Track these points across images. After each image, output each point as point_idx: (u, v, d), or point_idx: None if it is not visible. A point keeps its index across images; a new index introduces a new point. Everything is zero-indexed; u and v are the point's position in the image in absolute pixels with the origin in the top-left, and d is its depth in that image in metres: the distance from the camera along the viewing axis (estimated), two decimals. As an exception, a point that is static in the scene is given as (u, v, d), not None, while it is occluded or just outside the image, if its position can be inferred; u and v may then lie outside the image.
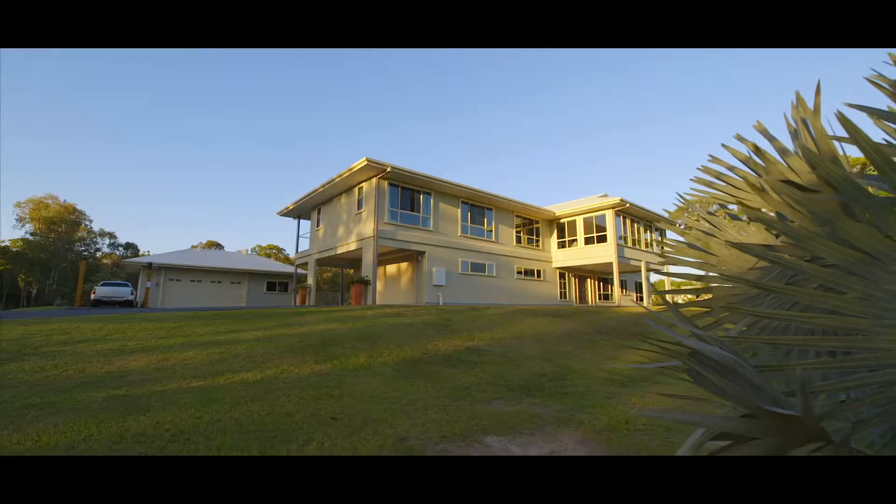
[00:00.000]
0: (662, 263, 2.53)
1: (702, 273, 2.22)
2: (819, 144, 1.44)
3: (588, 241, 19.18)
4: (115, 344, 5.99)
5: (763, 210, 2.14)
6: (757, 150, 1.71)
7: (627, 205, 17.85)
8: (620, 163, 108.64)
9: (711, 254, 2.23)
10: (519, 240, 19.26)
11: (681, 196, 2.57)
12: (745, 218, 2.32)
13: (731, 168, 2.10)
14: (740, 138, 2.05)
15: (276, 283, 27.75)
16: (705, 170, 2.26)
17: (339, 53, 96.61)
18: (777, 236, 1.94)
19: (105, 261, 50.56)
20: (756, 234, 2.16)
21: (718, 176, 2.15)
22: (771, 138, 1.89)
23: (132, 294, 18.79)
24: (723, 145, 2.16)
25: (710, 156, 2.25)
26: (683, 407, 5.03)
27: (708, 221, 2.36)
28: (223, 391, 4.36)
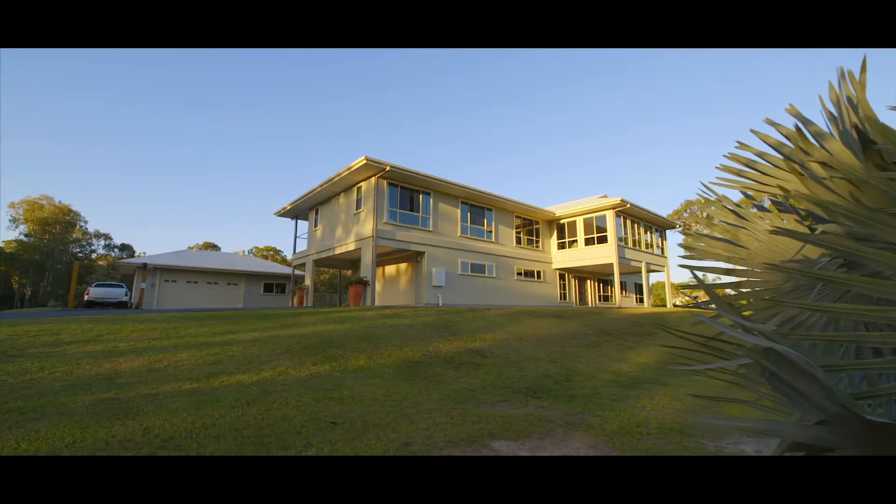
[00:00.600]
0: (686, 257, 2.36)
1: (725, 267, 2.07)
2: (866, 121, 1.30)
3: (588, 241, 19.07)
4: (105, 345, 5.78)
5: (781, 197, 1.99)
6: (799, 132, 1.57)
7: (628, 205, 17.76)
8: (620, 163, 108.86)
9: (741, 246, 2.07)
10: (519, 240, 19.13)
11: (705, 186, 2.41)
12: (765, 202, 2.18)
13: (761, 155, 1.94)
14: (771, 122, 1.90)
15: (273, 284, 27.49)
16: (733, 157, 2.10)
17: (338, 54, 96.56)
18: (811, 228, 1.79)
19: (100, 262, 50.07)
20: (782, 224, 2.01)
21: (748, 163, 2.00)
22: (806, 121, 1.73)
23: (126, 295, 18.50)
24: (752, 131, 2.00)
25: (738, 142, 2.08)
26: (695, 409, 4.88)
27: (735, 213, 2.20)
28: (217, 394, 4.17)
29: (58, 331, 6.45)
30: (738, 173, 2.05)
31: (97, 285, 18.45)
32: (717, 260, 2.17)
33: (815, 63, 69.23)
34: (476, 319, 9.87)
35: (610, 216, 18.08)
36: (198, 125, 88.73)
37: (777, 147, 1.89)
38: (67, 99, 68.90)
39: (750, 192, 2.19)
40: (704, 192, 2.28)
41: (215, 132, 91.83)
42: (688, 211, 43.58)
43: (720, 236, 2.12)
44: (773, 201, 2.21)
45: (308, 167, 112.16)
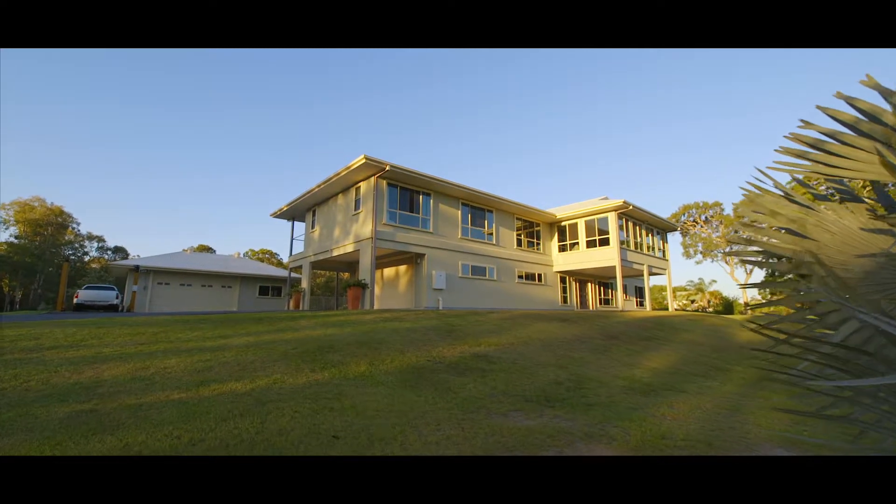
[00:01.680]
0: (730, 254, 2.06)
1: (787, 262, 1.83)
2: None
3: (590, 244, 18.85)
4: (88, 351, 5.42)
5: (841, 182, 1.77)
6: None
7: (630, 207, 17.57)
8: (619, 167, 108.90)
9: (810, 238, 1.82)
10: (519, 243, 18.88)
11: (761, 171, 2.15)
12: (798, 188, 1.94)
13: (832, 134, 1.70)
14: (843, 96, 1.66)
15: (268, 287, 27.05)
16: (795, 138, 1.85)
17: (337, 54, 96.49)
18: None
19: (93, 265, 49.25)
20: (849, 214, 1.77)
21: (816, 143, 1.74)
22: (891, 93, 1.50)
23: (117, 298, 18.01)
24: (819, 107, 1.75)
25: (802, 121, 1.83)
26: (718, 419, 4.60)
27: (793, 200, 1.96)
28: (208, 404, 3.83)
29: (38, 335, 6.07)
30: (801, 155, 1.78)
31: (87, 288, 17.95)
32: (778, 253, 1.91)
33: (814, 64, 69.87)
34: (479, 323, 9.57)
35: (612, 218, 17.88)
36: (193, 127, 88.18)
37: (854, 124, 1.63)
38: (62, 100, 68.20)
39: (805, 178, 1.93)
40: (757, 179, 2.00)
41: (212, 134, 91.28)
42: (686, 214, 43.59)
43: (785, 227, 1.85)
44: (837, 189, 1.93)
45: (306, 169, 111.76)
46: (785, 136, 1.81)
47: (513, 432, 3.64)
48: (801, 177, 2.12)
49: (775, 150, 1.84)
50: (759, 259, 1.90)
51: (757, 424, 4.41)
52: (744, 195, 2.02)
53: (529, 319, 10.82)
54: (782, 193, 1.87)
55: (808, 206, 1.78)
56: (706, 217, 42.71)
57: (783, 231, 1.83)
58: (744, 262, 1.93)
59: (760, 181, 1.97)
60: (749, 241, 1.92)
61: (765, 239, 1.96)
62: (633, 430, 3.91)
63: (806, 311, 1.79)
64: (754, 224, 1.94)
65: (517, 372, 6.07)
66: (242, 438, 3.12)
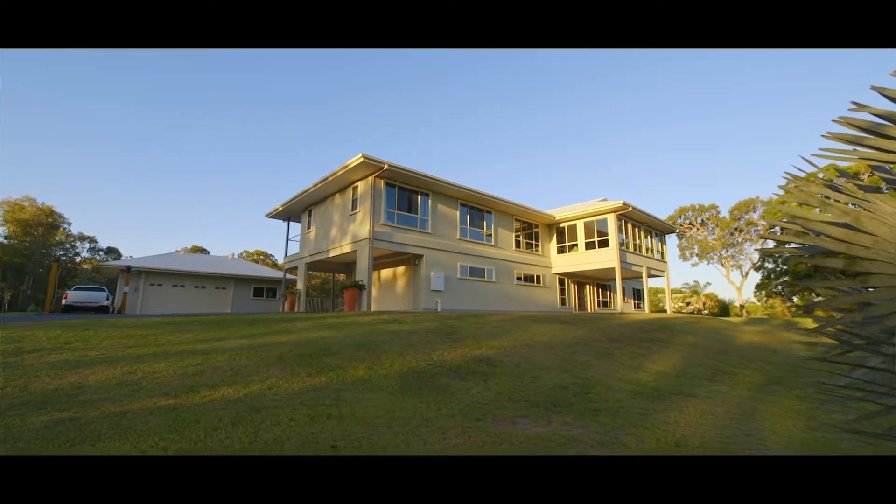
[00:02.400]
0: (763, 251, 1.90)
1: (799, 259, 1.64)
2: None
3: (589, 245, 18.74)
4: (72, 354, 5.16)
5: None
6: None
7: (630, 208, 17.49)
8: (616, 169, 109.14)
9: (865, 232, 1.65)
10: (518, 244, 18.73)
11: (805, 160, 1.99)
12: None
13: (889, 116, 1.54)
14: None
15: (263, 288, 26.68)
16: (847, 122, 1.68)
17: (335, 55, 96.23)
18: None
19: (85, 266, 48.45)
20: None
21: (872, 128, 1.59)
22: None
23: (108, 299, 17.61)
24: (874, 88, 1.59)
25: (854, 102, 1.67)
26: (731, 424, 4.44)
27: (844, 192, 1.79)
28: (198, 412, 3.60)
29: (19, 337, 5.78)
30: (855, 141, 1.62)
31: (76, 288, 17.54)
32: (830, 248, 1.74)
33: (814, 65, 70.56)
34: (479, 325, 9.38)
35: (612, 219, 17.79)
36: (193, 127, 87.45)
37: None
38: (58, 102, 67.32)
39: (847, 168, 1.76)
40: (798, 169, 1.84)
41: (211, 134, 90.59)
42: (682, 217, 43.73)
43: (835, 220, 1.68)
44: (887, 179, 1.78)
45: (303, 170, 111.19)
46: (834, 121, 1.63)
47: (522, 441, 3.44)
48: (844, 167, 1.95)
49: (822, 136, 1.66)
50: (802, 255, 1.73)
51: (773, 431, 4.25)
52: (782, 187, 1.85)
53: (529, 321, 10.64)
54: (830, 184, 1.71)
55: (863, 199, 1.61)
56: (702, 220, 42.87)
57: (841, 226, 1.67)
58: (790, 260, 1.77)
59: (801, 171, 1.80)
60: (797, 236, 1.75)
61: (779, 231, 1.79)
62: (647, 438, 3.73)
63: (859, 313, 1.63)
64: (799, 220, 1.77)
65: (521, 376, 5.88)
66: (234, 449, 2.90)
